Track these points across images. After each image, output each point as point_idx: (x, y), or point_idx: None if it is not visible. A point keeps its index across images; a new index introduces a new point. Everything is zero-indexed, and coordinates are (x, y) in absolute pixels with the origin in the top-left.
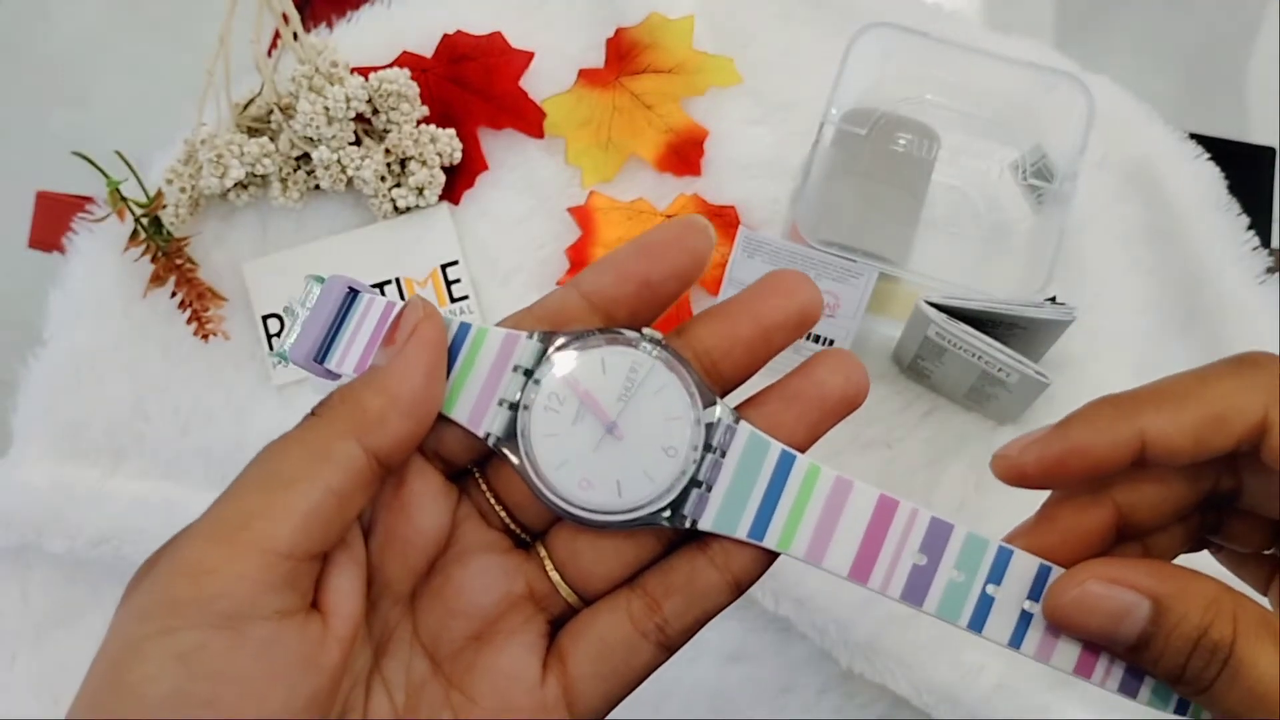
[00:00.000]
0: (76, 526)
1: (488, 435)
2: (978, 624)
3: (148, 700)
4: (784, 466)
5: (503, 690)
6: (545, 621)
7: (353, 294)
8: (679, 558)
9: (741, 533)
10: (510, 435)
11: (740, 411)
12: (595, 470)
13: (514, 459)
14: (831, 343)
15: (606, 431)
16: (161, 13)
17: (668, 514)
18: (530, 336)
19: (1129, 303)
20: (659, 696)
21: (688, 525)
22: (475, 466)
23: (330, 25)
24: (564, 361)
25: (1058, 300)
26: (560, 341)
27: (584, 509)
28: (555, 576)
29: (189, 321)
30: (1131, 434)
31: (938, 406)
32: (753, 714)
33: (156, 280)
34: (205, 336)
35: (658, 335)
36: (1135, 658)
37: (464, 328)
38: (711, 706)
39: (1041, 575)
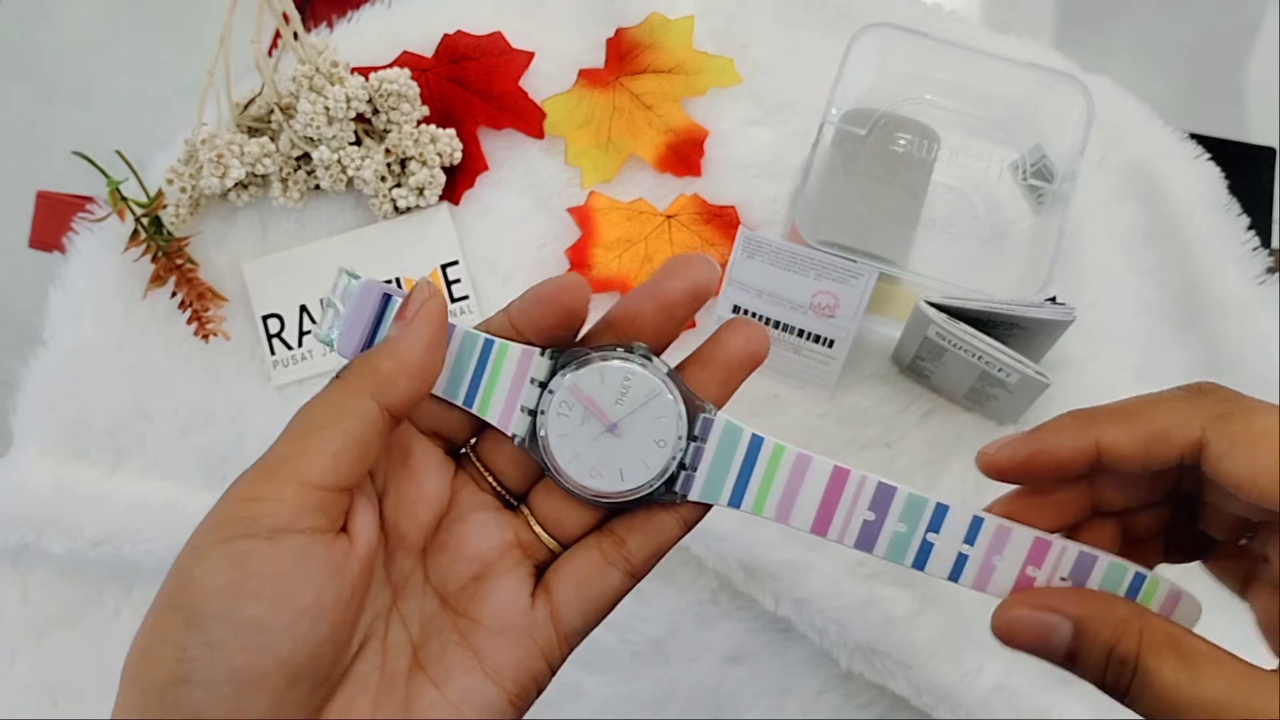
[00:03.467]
0: (76, 526)
1: (514, 436)
2: (920, 564)
3: (208, 589)
4: (755, 447)
5: (501, 611)
6: (532, 565)
7: (386, 298)
8: (637, 507)
9: (722, 502)
10: (532, 436)
11: None
12: (601, 461)
13: (537, 455)
14: (831, 343)
15: (607, 430)
16: (161, 13)
17: (662, 491)
18: (542, 354)
19: (1129, 303)
20: (659, 697)
21: (678, 500)
22: (468, 443)
23: (330, 25)
24: (570, 374)
25: (1058, 300)
26: (566, 358)
27: (594, 492)
28: (538, 529)
29: (189, 321)
30: (1088, 442)
31: (938, 407)
32: (753, 714)
33: (156, 280)
34: (205, 336)
35: (645, 348)
36: (1070, 666)
37: (488, 343)
38: (711, 707)
39: (975, 525)
